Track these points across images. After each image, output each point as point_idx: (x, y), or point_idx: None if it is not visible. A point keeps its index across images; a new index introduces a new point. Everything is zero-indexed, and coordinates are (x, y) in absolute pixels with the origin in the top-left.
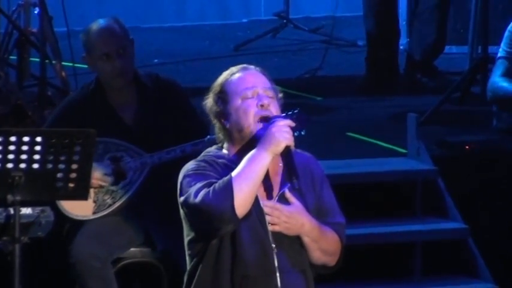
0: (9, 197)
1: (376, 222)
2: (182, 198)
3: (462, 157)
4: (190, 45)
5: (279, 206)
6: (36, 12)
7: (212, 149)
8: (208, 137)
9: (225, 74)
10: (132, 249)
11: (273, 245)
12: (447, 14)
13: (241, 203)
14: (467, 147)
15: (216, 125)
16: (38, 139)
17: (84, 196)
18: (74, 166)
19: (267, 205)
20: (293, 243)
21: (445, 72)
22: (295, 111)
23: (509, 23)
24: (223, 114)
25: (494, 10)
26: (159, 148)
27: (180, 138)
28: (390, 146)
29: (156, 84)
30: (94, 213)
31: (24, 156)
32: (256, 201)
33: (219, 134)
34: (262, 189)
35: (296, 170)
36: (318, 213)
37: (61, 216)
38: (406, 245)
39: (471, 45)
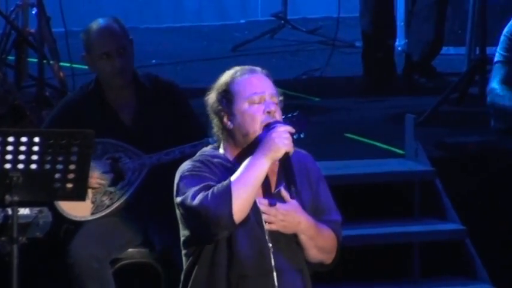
0: (7, 198)
1: (374, 223)
2: (179, 200)
3: (460, 158)
4: (188, 46)
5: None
6: (34, 12)
7: (208, 149)
8: (209, 139)
9: (230, 73)
10: (130, 249)
11: (270, 245)
12: (445, 12)
13: (239, 209)
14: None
15: (215, 122)
16: (36, 139)
17: (82, 197)
18: (72, 167)
19: (263, 204)
20: (290, 242)
21: (443, 73)
22: (295, 113)
23: (507, 25)
24: (227, 113)
25: (492, 11)
26: (157, 149)
27: (179, 140)
28: (388, 147)
29: (155, 85)
30: (92, 214)
31: (22, 157)
32: (253, 201)
33: (217, 133)
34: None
35: (294, 177)
36: (314, 211)
37: (59, 217)
38: (404, 246)
39: (469, 46)
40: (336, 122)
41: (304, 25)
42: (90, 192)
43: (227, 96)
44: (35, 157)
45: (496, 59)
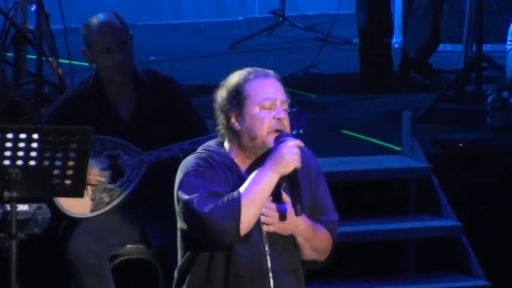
0: (6, 194)
1: (370, 219)
2: (183, 198)
3: (456, 155)
4: (186, 42)
5: (274, 206)
6: (33, 9)
7: (212, 144)
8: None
9: (242, 74)
10: (128, 246)
11: (267, 246)
12: (441, 10)
13: (247, 225)
14: (460, 145)
15: (221, 120)
16: (35, 136)
17: (80, 193)
18: (71, 163)
19: (269, 208)
20: (287, 244)
21: (440, 71)
22: (294, 109)
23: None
24: (235, 114)
25: (489, 8)
26: (156, 144)
27: (178, 135)
28: (385, 144)
29: (153, 81)
30: (91, 211)
31: (21, 153)
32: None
33: (222, 130)
34: None
35: (301, 193)
36: (312, 210)
37: (58, 213)
38: (400, 243)
39: (466, 44)
40: (332, 118)
41: (302, 22)
42: (89, 189)
43: (238, 98)
44: (33, 153)
45: (508, 47)
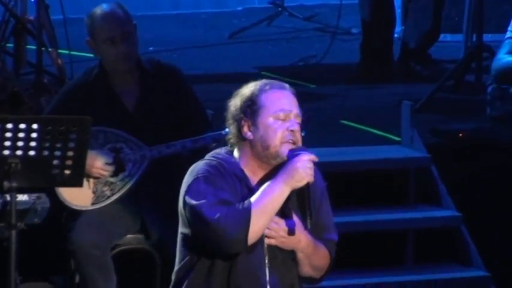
0: (6, 184)
1: (369, 209)
2: (191, 203)
3: (456, 145)
4: (185, 33)
5: (279, 220)
6: (32, 0)
7: (222, 152)
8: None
9: (257, 84)
10: (127, 236)
11: (266, 259)
12: (443, 1)
13: (255, 235)
14: (460, 135)
15: (232, 129)
16: (35, 126)
17: (79, 183)
18: (70, 153)
19: (278, 223)
20: (286, 259)
21: (439, 61)
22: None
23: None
24: (248, 124)
25: None
26: (159, 134)
27: (180, 125)
28: (384, 134)
29: (157, 70)
30: (93, 204)
31: (20, 143)
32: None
33: (232, 139)
34: None
35: (311, 208)
36: (314, 228)
37: (58, 203)
38: (399, 233)
39: (466, 34)
40: (331, 108)
41: (302, 12)
42: (91, 181)
43: (252, 107)
44: (33, 144)
45: (506, 35)
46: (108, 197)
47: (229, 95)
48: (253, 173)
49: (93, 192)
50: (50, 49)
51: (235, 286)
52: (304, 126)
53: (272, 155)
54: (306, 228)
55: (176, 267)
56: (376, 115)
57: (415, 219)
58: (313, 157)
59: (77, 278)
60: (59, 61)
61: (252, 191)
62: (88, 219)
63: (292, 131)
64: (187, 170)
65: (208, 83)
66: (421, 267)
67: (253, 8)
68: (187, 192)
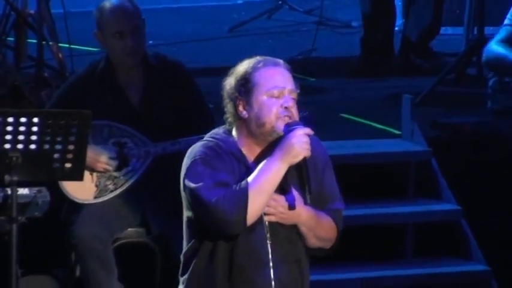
0: (7, 177)
1: (370, 203)
2: (190, 186)
3: (456, 138)
4: (185, 26)
5: (277, 196)
6: None
7: (220, 132)
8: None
9: (251, 62)
10: (128, 229)
11: (268, 236)
12: None
13: (254, 215)
14: (465, 128)
15: (229, 109)
16: (35, 120)
17: (80, 177)
18: (71, 147)
19: (277, 200)
20: (289, 234)
21: (441, 54)
22: (305, 113)
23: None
24: (243, 102)
25: None
26: (164, 129)
27: (184, 120)
28: (384, 127)
29: (163, 65)
30: (95, 197)
31: (21, 137)
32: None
33: (229, 118)
34: None
35: (310, 182)
36: (318, 199)
37: (59, 197)
38: (399, 226)
39: (467, 27)
40: (331, 102)
41: (302, 5)
42: (94, 175)
43: (246, 86)
44: (34, 137)
45: (504, 22)
46: (111, 191)
47: None
48: (250, 151)
49: (96, 186)
50: (50, 43)
51: (238, 266)
52: (306, 124)
53: (268, 131)
54: (305, 202)
55: (184, 250)
56: (376, 108)
57: (415, 212)
58: (308, 130)
59: (78, 271)
60: (60, 55)
61: (249, 169)
62: (90, 212)
63: (286, 107)
64: None
65: (208, 76)
66: (421, 261)
67: (253, 2)
68: (186, 175)
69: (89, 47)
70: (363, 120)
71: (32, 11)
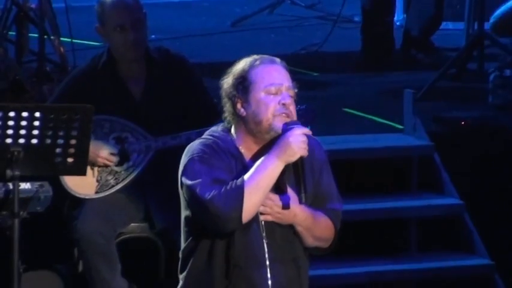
0: (9, 172)
1: (372, 198)
2: (187, 183)
3: (458, 133)
4: (188, 21)
5: (272, 196)
6: None
7: (219, 130)
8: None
9: (249, 61)
10: (131, 224)
11: (264, 235)
12: None
13: (249, 212)
14: (463, 123)
15: (228, 107)
16: (37, 114)
17: (82, 171)
18: (73, 141)
19: (272, 200)
20: (286, 233)
21: (442, 48)
22: (303, 107)
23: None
24: (241, 100)
25: None
26: (165, 123)
27: (188, 114)
28: (387, 122)
29: (165, 59)
30: (96, 192)
31: (23, 132)
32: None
33: (228, 117)
34: None
35: (305, 181)
36: (315, 199)
37: (60, 192)
38: (402, 221)
39: (467, 22)
40: (334, 96)
41: (304, 0)
42: (96, 170)
43: (244, 84)
44: (35, 132)
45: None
46: (112, 186)
47: None
48: (248, 149)
49: (97, 181)
50: (52, 37)
51: (234, 264)
52: (308, 120)
53: (265, 129)
54: (300, 202)
55: (182, 246)
56: (378, 103)
57: (418, 207)
58: (306, 130)
59: (81, 267)
60: (61, 49)
61: (247, 168)
62: (92, 207)
63: (284, 104)
64: None
65: (210, 71)
66: (424, 256)
67: None
68: (183, 173)
69: (91, 41)
70: (365, 115)
71: (33, 5)
